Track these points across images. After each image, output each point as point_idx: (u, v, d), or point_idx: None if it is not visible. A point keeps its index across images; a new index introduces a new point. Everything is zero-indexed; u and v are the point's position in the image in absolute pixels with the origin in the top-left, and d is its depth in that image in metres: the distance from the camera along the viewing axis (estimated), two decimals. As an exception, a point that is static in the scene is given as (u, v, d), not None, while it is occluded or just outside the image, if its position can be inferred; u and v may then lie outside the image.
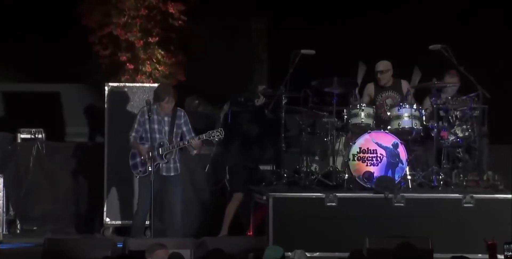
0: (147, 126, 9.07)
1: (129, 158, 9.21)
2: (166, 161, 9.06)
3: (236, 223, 9.96)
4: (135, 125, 9.19)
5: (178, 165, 9.19)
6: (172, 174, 9.15)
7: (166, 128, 9.13)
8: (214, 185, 10.33)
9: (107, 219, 10.21)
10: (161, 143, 9.08)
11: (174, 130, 9.15)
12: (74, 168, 10.56)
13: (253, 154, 9.99)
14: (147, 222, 9.16)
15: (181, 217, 9.20)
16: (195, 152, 9.38)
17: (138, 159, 9.11)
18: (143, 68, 11.98)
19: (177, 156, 9.19)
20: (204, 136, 9.09)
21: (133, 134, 9.18)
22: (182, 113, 9.24)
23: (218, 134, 9.03)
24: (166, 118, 9.16)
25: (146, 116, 9.07)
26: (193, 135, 9.23)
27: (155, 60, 12.01)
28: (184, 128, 9.21)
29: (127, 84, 10.69)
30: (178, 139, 9.20)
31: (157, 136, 9.11)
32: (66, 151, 10.62)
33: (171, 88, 9.41)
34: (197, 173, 10.51)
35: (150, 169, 8.93)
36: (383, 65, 10.14)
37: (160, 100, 9.09)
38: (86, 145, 11.01)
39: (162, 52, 12.01)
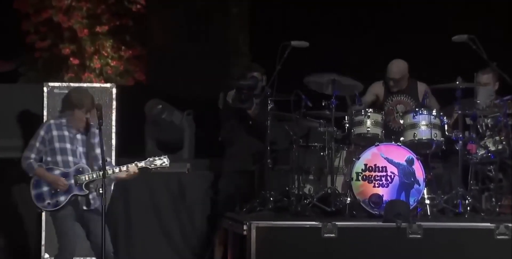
0: (56, 145, 8.52)
1: (31, 187, 8.57)
2: (86, 192, 8.47)
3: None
4: (37, 144, 8.53)
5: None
6: (97, 205, 8.52)
7: (81, 149, 8.59)
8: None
9: (46, 255, 9.89)
10: (80, 169, 8.48)
11: (91, 151, 8.61)
12: (3, 191, 10.30)
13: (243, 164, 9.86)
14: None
15: None
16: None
17: (45, 188, 8.48)
18: (91, 64, 11.83)
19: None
20: (143, 164, 8.49)
21: (33, 156, 8.55)
22: (97, 131, 8.61)
23: (162, 161, 8.50)
24: (79, 136, 8.59)
25: (55, 133, 8.52)
26: (109, 159, 8.66)
27: (105, 54, 11.86)
28: (97, 151, 8.62)
29: (71, 84, 10.41)
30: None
31: (70, 158, 8.51)
32: (-6, 169, 10.00)
33: (91, 95, 8.82)
34: (161, 198, 10.30)
35: (71, 197, 8.36)
36: (398, 71, 9.89)
37: (76, 108, 8.49)
38: (19, 162, 10.93)
39: (113, 44, 11.87)
